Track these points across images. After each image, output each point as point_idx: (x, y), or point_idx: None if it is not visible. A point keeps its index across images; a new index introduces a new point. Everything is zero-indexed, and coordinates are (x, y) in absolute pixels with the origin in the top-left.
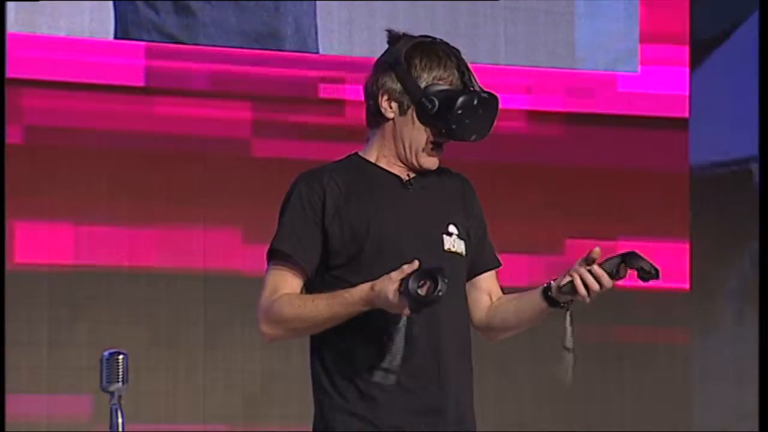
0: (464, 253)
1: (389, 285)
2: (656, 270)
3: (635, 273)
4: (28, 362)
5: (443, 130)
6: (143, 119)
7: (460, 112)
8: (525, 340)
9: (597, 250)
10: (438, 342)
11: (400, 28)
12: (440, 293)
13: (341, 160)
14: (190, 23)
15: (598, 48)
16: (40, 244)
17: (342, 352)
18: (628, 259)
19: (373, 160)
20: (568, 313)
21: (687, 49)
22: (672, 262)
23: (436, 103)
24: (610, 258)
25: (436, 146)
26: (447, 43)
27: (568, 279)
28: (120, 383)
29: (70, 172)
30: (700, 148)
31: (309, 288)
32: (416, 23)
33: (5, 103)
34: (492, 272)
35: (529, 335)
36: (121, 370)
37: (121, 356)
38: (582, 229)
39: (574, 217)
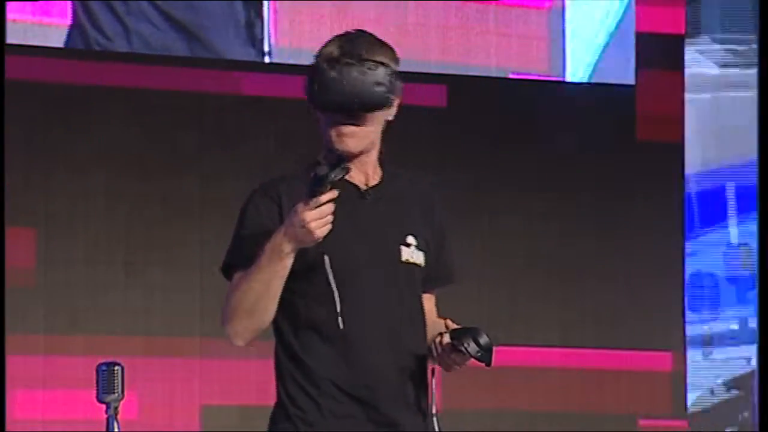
0: (423, 264)
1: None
2: (487, 351)
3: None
4: (24, 373)
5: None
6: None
7: (311, 79)
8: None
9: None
10: (398, 353)
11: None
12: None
13: (302, 168)
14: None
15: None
16: (35, 250)
17: (296, 359)
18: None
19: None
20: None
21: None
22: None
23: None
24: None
25: (339, 126)
26: (362, 30)
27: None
28: (116, 394)
29: (66, 177)
30: None
31: None
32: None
33: (5, 103)
34: (434, 293)
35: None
36: (117, 381)
37: (117, 367)
38: None
39: None
